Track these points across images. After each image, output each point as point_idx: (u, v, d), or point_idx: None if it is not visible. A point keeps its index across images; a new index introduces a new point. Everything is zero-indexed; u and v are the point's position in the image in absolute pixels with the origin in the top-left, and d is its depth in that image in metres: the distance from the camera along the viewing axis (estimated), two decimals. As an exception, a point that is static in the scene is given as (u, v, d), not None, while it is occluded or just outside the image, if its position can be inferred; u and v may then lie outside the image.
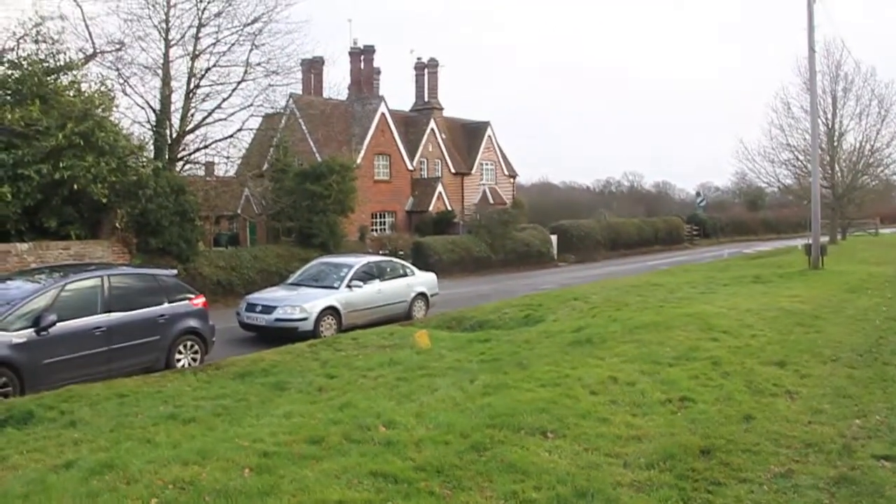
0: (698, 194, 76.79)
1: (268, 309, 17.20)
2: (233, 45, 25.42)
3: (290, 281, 19.41)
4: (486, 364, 11.37)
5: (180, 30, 24.90)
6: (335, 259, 20.29)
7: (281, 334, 16.59)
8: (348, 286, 18.12)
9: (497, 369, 10.58)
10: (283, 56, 26.37)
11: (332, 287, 18.07)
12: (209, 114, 25.87)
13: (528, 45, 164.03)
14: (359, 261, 19.38)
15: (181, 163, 26.23)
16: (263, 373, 12.69)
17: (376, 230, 42.70)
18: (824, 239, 42.47)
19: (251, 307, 17.55)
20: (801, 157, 43.24)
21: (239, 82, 25.90)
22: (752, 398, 8.82)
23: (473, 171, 50.60)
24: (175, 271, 15.09)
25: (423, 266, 29.71)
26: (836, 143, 44.48)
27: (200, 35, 25.13)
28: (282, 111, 31.96)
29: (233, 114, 26.11)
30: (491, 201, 48.52)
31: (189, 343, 14.03)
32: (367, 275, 18.84)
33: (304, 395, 10.46)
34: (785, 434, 7.62)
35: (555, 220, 45.69)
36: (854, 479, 6.43)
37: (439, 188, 45.24)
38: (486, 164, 51.98)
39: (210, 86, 25.73)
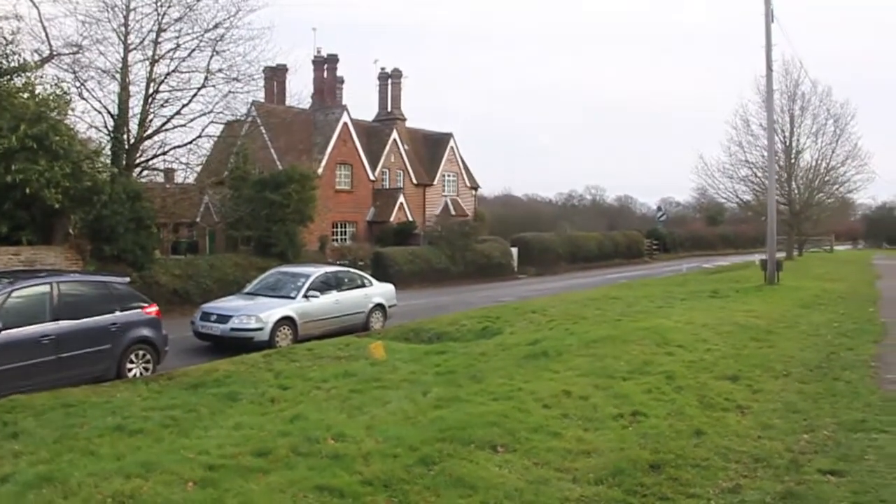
0: (659, 209, 77.49)
1: (223, 318, 16.98)
2: (193, 50, 25.15)
3: (246, 290, 19.18)
4: (441, 377, 11.32)
5: (139, 34, 24.61)
6: (292, 269, 20.09)
7: (236, 344, 16.35)
8: (305, 296, 17.95)
9: (451, 382, 10.54)
10: (244, 63, 26.08)
11: (288, 297, 17.89)
12: (168, 120, 25.55)
13: (495, 61, 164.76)
14: (316, 271, 19.22)
15: (139, 169, 25.88)
16: (216, 383, 12.52)
17: (337, 240, 42.48)
18: (780, 255, 43.26)
19: (206, 316, 17.31)
20: (759, 174, 43.83)
21: (199, 88, 25.64)
22: (703, 413, 8.88)
23: (436, 183, 50.58)
24: (128, 279, 14.84)
25: (383, 277, 29.59)
26: (793, 161, 45.12)
27: (160, 40, 24.83)
28: (243, 118, 31.65)
29: (192, 120, 25.82)
30: (453, 213, 48.56)
31: (141, 352, 13.74)
32: (324, 285, 18.69)
33: (255, 407, 10.32)
34: (734, 449, 7.67)
35: (517, 232, 45.79)
36: (800, 493, 6.50)
37: (401, 199, 45.18)
38: (449, 176, 52.01)
39: (169, 91, 25.42)
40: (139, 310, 13.93)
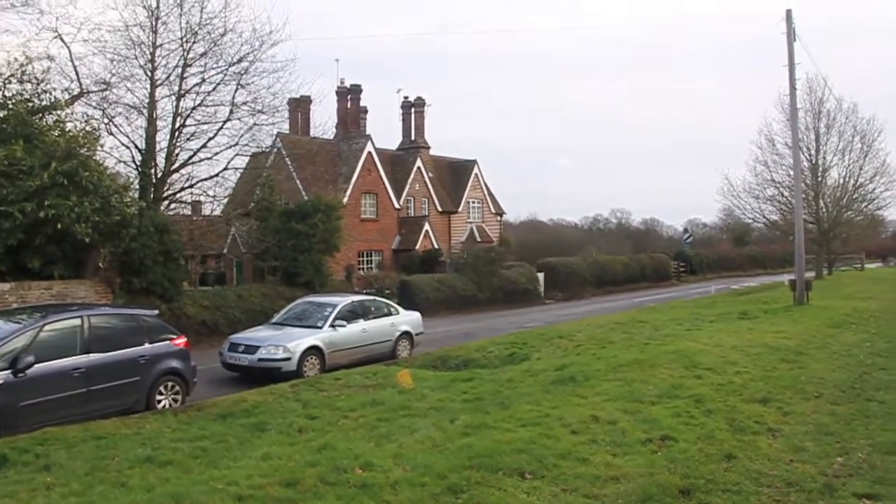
0: (685, 231, 77.07)
1: (251, 349, 17.08)
2: (218, 84, 25.59)
3: (273, 320, 19.29)
4: (469, 404, 11.29)
5: (166, 70, 25.11)
6: (319, 298, 20.20)
7: (264, 374, 16.41)
8: (332, 326, 18.02)
9: (478, 409, 10.52)
10: (268, 95, 26.47)
11: (315, 327, 17.97)
12: (195, 153, 25.97)
13: (518, 85, 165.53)
14: (343, 300, 19.31)
15: (166, 202, 26.23)
16: (245, 413, 12.56)
17: (363, 269, 42.67)
18: (810, 274, 42.81)
19: (234, 347, 17.42)
20: (785, 193, 43.65)
21: (224, 121, 26.05)
22: (733, 436, 8.78)
23: (460, 210, 50.77)
24: (156, 311, 15.00)
25: (410, 305, 29.67)
26: (820, 179, 44.86)
27: (186, 75, 25.30)
28: (268, 150, 32.04)
29: (218, 153, 26.22)
30: (478, 239, 48.65)
31: (170, 384, 13.85)
32: (351, 314, 18.77)
33: (283, 437, 10.35)
34: (766, 473, 7.58)
35: (543, 257, 45.66)
36: (834, 518, 6.40)
37: (426, 226, 45.33)
38: (473, 203, 52.17)
39: (195, 125, 25.86)
40: (168, 342, 14.07)
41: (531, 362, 16.33)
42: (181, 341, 14.43)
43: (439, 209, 49.03)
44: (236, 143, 26.17)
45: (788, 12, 27.29)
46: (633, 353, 15.15)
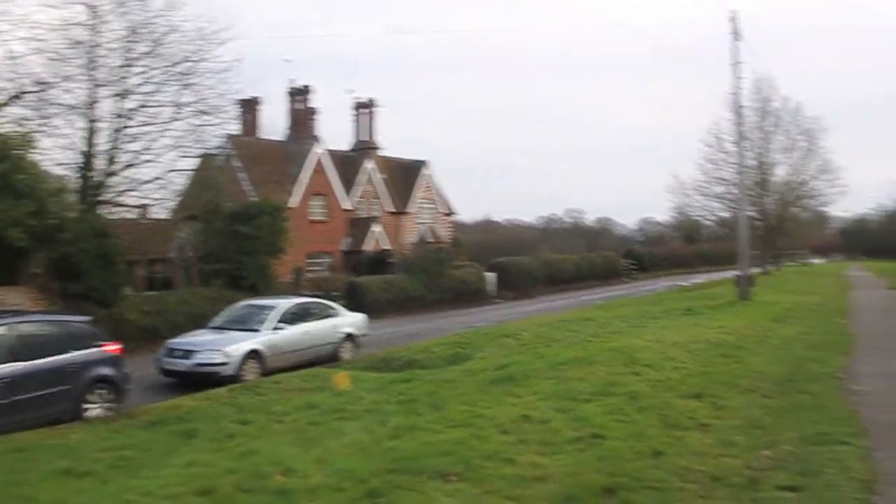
0: (639, 229, 77.86)
1: (188, 353, 16.75)
2: (161, 84, 25.00)
3: (213, 324, 18.93)
4: (403, 405, 11.13)
5: (107, 70, 24.44)
6: (260, 301, 19.90)
7: (202, 379, 16.10)
8: (273, 329, 17.76)
9: (411, 410, 10.37)
10: (214, 96, 25.97)
11: (255, 330, 17.68)
12: (137, 155, 25.34)
13: (473, 87, 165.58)
14: (284, 302, 19.04)
15: (108, 205, 25.60)
16: (177, 420, 12.32)
17: (312, 271, 42.27)
18: (756, 270, 43.46)
19: (171, 352, 17.07)
20: (733, 190, 44.08)
21: (168, 123, 25.48)
22: (664, 432, 8.71)
23: (411, 211, 50.59)
24: (89, 317, 14.58)
25: (358, 306, 29.40)
26: (766, 176, 45.55)
27: (128, 75, 24.68)
28: (216, 151, 31.49)
29: (161, 155, 25.61)
30: (429, 240, 48.52)
31: (102, 392, 13.47)
32: (292, 317, 18.52)
33: (211, 443, 10.11)
34: (693, 468, 7.49)
35: (499, 257, 45.59)
36: (755, 511, 6.36)
37: (376, 228, 45.10)
38: (424, 204, 52.01)
39: (138, 126, 25.22)
40: (99, 348, 13.69)
41: (473, 362, 16.23)
42: (114, 348, 14.05)
43: (390, 210, 48.79)
44: (180, 145, 25.62)
45: (734, 13, 27.85)
46: (575, 351, 15.12)
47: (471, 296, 38.27)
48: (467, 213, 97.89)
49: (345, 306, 29.75)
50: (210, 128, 26.45)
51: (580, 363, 13.30)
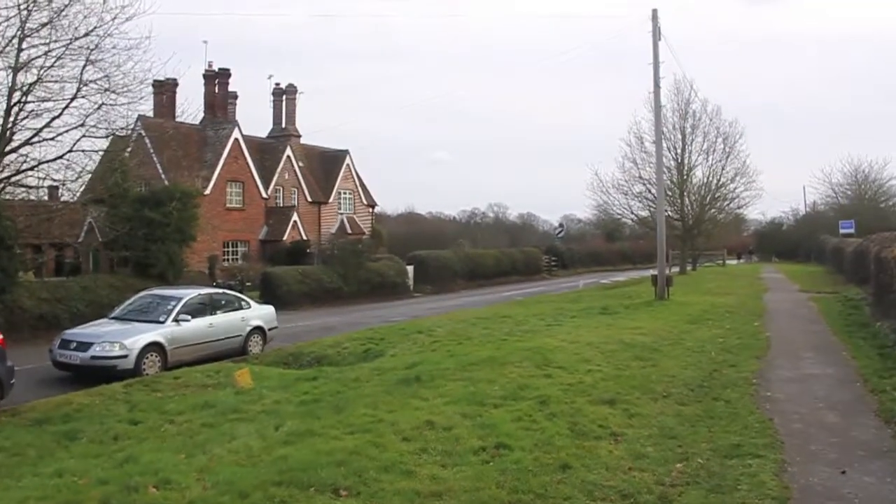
0: (560, 226, 78.27)
1: (83, 346, 15.71)
2: (60, 58, 23.60)
3: (113, 314, 17.90)
4: (304, 406, 10.52)
5: (1, 40, 23.02)
6: (163, 291, 18.92)
7: (98, 374, 15.07)
8: (175, 320, 16.85)
9: (311, 413, 9.76)
10: (119, 74, 24.70)
11: (157, 321, 16.75)
12: (36, 133, 23.96)
13: (393, 78, 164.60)
14: (188, 293, 18.11)
15: (6, 185, 24.16)
16: (63, 419, 11.49)
17: (228, 260, 41.17)
18: (674, 269, 43.98)
19: (65, 344, 16.00)
20: (652, 190, 44.46)
21: (71, 100, 24.15)
22: (573, 442, 8.30)
23: (331, 200, 49.73)
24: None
25: (272, 297, 28.63)
26: (685, 177, 46.07)
27: (25, 46, 23.28)
28: (124, 132, 30.08)
29: (61, 133, 24.22)
30: (349, 231, 47.77)
31: (-21, 387, 12.51)
32: (197, 308, 17.63)
33: (93, 446, 9.36)
34: (601, 484, 7.08)
35: (421, 250, 45.03)
36: (663, 533, 5.98)
37: (294, 217, 44.17)
38: (345, 193, 51.19)
39: (37, 102, 23.86)
40: (-22, 339, 12.69)
41: (384, 359, 15.69)
42: (-5, 339, 13.05)
43: (309, 199, 47.86)
44: (83, 124, 24.30)
45: (654, 11, 27.68)
46: (488, 350, 14.69)
47: (389, 289, 37.61)
48: (390, 205, 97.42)
49: (258, 297, 29.08)
50: (117, 107, 25.20)
51: (492, 364, 12.87)
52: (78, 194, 28.74)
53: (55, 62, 23.39)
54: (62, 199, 29.50)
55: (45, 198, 29.45)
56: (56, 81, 23.80)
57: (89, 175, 27.51)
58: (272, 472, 6.97)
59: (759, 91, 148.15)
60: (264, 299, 29.71)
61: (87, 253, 37.87)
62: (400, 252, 44.32)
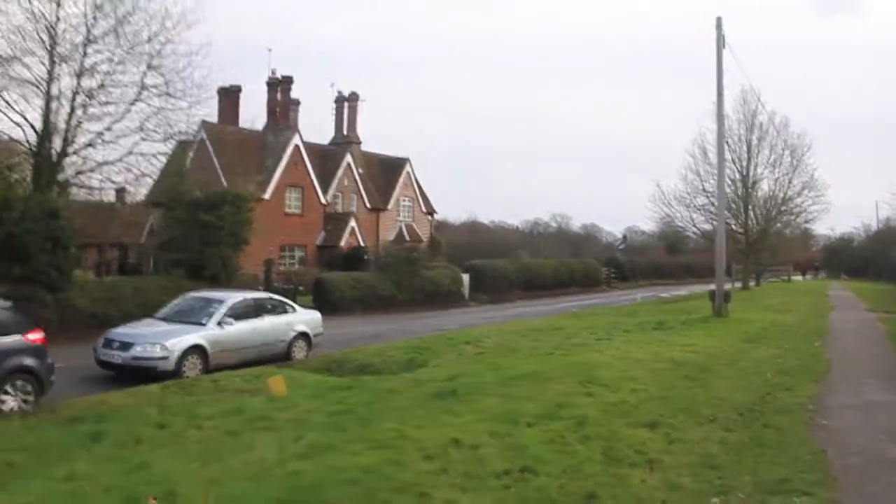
0: (624, 237, 77.18)
1: (126, 346, 15.73)
2: (123, 64, 24.06)
3: (157, 315, 17.93)
4: (333, 417, 10.17)
5: (67, 46, 23.50)
6: (208, 294, 18.89)
7: (139, 374, 15.11)
8: (219, 323, 16.79)
9: (336, 425, 9.41)
10: (179, 80, 25.04)
11: (200, 324, 16.70)
12: (98, 136, 24.39)
13: (461, 87, 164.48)
14: (233, 296, 18.05)
15: (65, 186, 24.61)
16: (96, 419, 11.31)
17: (285, 264, 41.36)
18: (737, 285, 42.76)
19: (108, 343, 16.04)
20: (715, 203, 43.33)
21: (131, 104, 24.56)
22: (604, 469, 7.77)
23: (390, 208, 49.70)
24: (9, 302, 13.54)
25: (324, 303, 28.60)
26: (750, 190, 44.83)
27: (89, 52, 23.75)
28: (185, 137, 30.42)
29: (123, 137, 24.66)
30: (407, 238, 47.65)
31: (20, 383, 12.47)
32: (242, 311, 17.56)
33: (113, 450, 9.12)
34: (626, 519, 6.58)
35: (484, 259, 44.56)
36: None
37: (352, 223, 44.19)
38: (404, 201, 51.12)
39: (99, 106, 24.31)
40: (20, 336, 12.68)
41: (425, 370, 15.34)
42: (37, 336, 13.04)
43: (368, 206, 47.89)
44: (141, 128, 24.63)
45: (718, 20, 26.97)
46: (533, 364, 14.22)
47: (444, 298, 37.24)
48: (453, 213, 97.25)
49: (311, 302, 29.04)
50: (177, 112, 25.55)
51: (534, 379, 12.41)
52: (139, 197, 29.26)
53: (117, 67, 23.81)
54: (123, 201, 30.05)
55: (113, 200, 30.05)
56: (118, 86, 24.27)
57: (152, 179, 27.97)
58: (279, 489, 6.64)
59: (831, 103, 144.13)
60: (316, 305, 29.74)
61: (148, 255, 38.47)
62: (461, 261, 43.83)
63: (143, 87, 24.69)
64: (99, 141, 24.36)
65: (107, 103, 24.27)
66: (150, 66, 24.70)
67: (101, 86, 24.02)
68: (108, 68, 24.00)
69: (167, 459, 7.93)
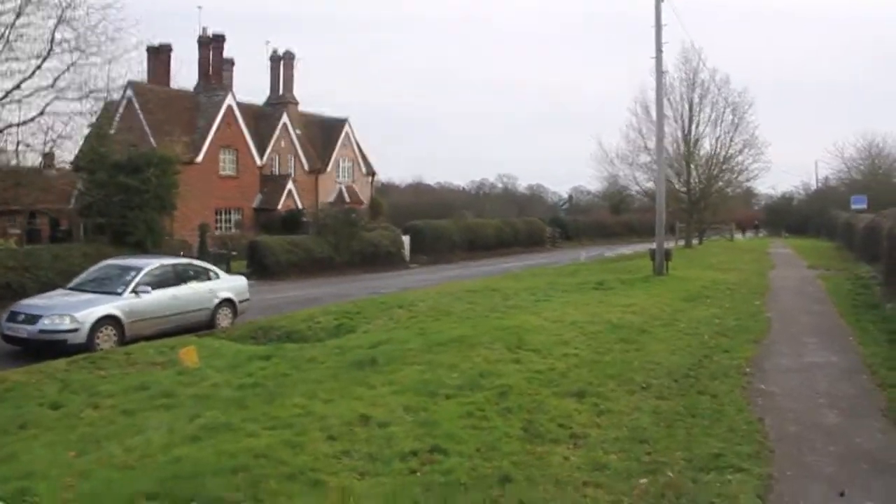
0: (570, 197, 77.04)
1: (32, 318, 14.63)
2: (29, 14, 22.49)
3: (69, 285, 16.84)
4: (240, 392, 9.44)
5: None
6: (124, 261, 17.78)
7: (47, 348, 14.05)
8: (134, 292, 15.77)
9: (240, 401, 8.67)
10: (93, 34, 23.54)
11: (114, 293, 15.65)
12: (6, 94, 22.87)
13: (400, 47, 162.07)
14: (150, 263, 16.98)
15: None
16: (-13, 400, 10.42)
17: (221, 228, 40.12)
18: (680, 243, 42.70)
19: (13, 316, 14.92)
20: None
21: (42, 59, 23.05)
22: (523, 447, 7.10)
23: (329, 169, 48.46)
24: None
25: (259, 267, 27.73)
26: (692, 149, 44.60)
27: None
28: (106, 96, 28.85)
29: (34, 95, 23.15)
30: (347, 200, 46.60)
31: None
32: (160, 278, 16.54)
33: (-10, 437, 8.28)
34: (543, 507, 5.92)
35: (427, 220, 43.64)
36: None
37: (289, 185, 43.01)
38: (344, 162, 49.92)
39: (6, 62, 22.76)
40: None
41: (355, 335, 14.63)
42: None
43: (307, 168, 46.61)
44: (52, 85, 23.16)
45: (656, -29, 26.25)
46: (463, 329, 13.61)
47: (384, 260, 36.32)
48: (397, 174, 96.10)
49: (245, 267, 28.06)
50: (92, 68, 24.07)
51: (461, 344, 11.79)
52: (64, 162, 27.79)
53: (22, 20, 22.30)
54: (59, 165, 28.58)
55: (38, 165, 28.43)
56: (26, 42, 22.77)
57: (75, 143, 26.59)
58: (153, 479, 5.88)
59: (772, 65, 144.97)
60: (251, 269, 28.77)
61: (78, 222, 36.89)
62: (404, 222, 42.74)
63: (54, 40, 23.19)
64: (8, 100, 22.87)
65: (15, 59, 22.73)
66: (60, 20, 23.18)
67: (6, 39, 22.43)
68: (9, 19, 22.38)
69: (42, 448, 7.15)
